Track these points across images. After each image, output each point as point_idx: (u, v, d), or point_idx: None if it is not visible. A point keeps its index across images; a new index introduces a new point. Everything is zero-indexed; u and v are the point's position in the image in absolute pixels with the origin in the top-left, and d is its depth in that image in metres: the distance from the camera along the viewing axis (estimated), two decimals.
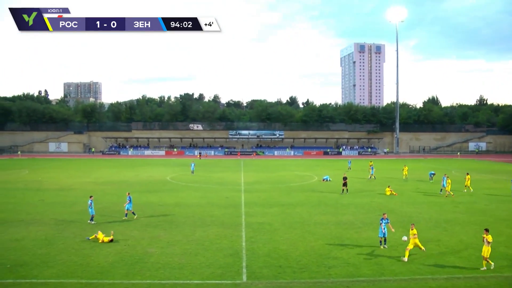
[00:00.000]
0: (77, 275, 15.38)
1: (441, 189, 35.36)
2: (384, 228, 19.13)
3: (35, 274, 15.47)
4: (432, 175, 45.25)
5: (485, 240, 15.96)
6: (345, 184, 35.60)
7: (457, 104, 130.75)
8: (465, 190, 36.57)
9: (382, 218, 19.35)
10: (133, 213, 25.27)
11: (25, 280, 14.87)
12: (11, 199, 32.20)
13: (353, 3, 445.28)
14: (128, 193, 25.99)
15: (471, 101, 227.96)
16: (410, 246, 17.32)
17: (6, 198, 32.89)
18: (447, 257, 17.64)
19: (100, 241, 19.60)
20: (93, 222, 23.65)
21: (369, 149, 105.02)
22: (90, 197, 24.37)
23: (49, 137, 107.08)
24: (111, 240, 19.68)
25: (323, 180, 44.77)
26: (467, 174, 37.89)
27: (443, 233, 21.68)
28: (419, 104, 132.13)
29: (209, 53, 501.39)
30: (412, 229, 17.63)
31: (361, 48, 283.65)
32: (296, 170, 58.54)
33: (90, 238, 20.16)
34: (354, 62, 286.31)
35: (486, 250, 15.88)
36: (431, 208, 29.22)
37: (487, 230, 16.25)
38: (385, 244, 19.13)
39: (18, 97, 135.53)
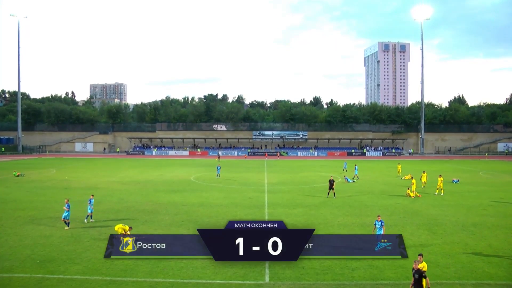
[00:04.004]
0: (101, 272, 15.67)
1: None
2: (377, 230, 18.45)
3: (62, 270, 15.87)
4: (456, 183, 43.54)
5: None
6: (331, 188, 33.30)
7: (484, 103, 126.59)
8: (436, 193, 35.49)
9: (377, 220, 18.90)
10: (68, 223, 22.64)
11: (53, 275, 15.27)
12: (41, 197, 33.10)
13: (375, 3, 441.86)
14: (67, 200, 23.24)
15: (500, 100, 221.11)
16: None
17: (36, 196, 33.81)
18: (475, 262, 17.14)
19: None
20: (86, 221, 24.08)
21: (394, 150, 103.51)
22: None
23: (76, 137, 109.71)
24: None
25: (346, 180, 44.29)
26: (440, 176, 36.70)
27: (470, 237, 21.07)
28: (445, 104, 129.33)
29: (233, 55, 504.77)
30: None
31: (385, 47, 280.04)
32: (319, 171, 58.18)
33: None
34: (378, 62, 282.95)
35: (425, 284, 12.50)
36: (458, 210, 28.50)
37: (421, 255, 13.49)
38: None
39: (47, 99, 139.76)
